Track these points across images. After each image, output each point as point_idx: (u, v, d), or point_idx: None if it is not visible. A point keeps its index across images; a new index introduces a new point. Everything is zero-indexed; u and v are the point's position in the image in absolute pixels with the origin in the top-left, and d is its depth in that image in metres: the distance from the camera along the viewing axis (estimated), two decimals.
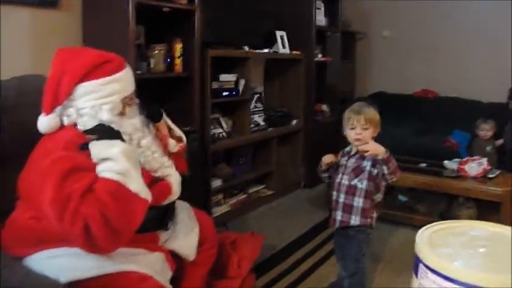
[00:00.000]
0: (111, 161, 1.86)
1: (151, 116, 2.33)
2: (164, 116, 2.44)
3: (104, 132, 1.95)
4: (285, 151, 5.22)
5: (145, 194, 1.91)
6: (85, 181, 1.82)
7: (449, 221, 1.75)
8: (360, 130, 2.65)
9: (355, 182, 2.67)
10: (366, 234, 2.71)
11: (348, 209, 2.69)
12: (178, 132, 2.52)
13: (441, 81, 6.06)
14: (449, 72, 6.04)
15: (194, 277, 2.46)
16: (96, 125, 1.96)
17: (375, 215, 2.73)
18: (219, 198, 4.34)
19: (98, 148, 1.90)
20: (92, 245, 1.78)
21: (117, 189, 1.83)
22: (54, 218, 1.79)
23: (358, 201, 2.66)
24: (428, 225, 1.65)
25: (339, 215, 2.73)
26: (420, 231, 1.61)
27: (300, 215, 4.47)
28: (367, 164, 2.66)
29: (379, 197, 2.72)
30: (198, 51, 3.65)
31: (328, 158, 2.80)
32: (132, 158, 1.94)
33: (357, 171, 2.68)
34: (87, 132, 1.95)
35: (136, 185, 1.88)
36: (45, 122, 2.00)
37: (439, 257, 1.43)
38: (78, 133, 1.98)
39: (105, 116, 1.99)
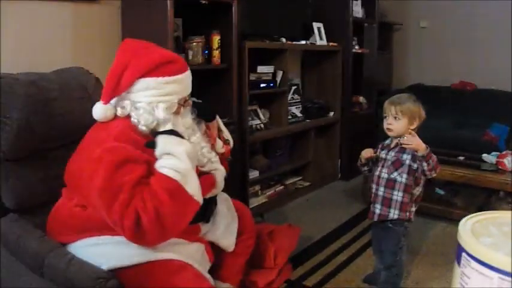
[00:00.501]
0: (175, 158, 1.90)
1: (204, 116, 2.37)
2: (217, 117, 2.48)
3: (174, 132, 1.99)
4: (322, 143, 5.21)
5: (198, 197, 1.94)
6: (136, 174, 1.85)
7: (491, 211, 1.73)
8: (391, 120, 2.65)
9: (394, 175, 2.66)
10: (404, 227, 2.70)
11: (387, 202, 2.68)
12: (227, 134, 2.55)
13: (479, 73, 5.95)
14: (488, 63, 5.92)
15: (233, 267, 2.49)
16: (169, 130, 2.01)
17: (413, 208, 2.71)
18: (256, 189, 4.36)
19: (167, 141, 1.94)
20: (139, 237, 1.82)
21: (175, 189, 1.86)
22: (102, 208, 1.84)
23: (397, 195, 2.65)
24: (470, 215, 1.64)
25: (377, 208, 2.72)
26: (462, 220, 1.59)
27: (336, 207, 4.47)
28: (407, 158, 2.63)
29: (418, 190, 2.70)
30: (235, 43, 3.67)
31: (367, 153, 2.79)
32: (194, 159, 1.99)
33: (397, 164, 2.66)
34: (157, 133, 1.99)
35: (193, 188, 1.91)
36: (101, 111, 2.04)
37: (482, 246, 1.42)
38: (130, 125, 2.01)
39: (161, 114, 2.02)
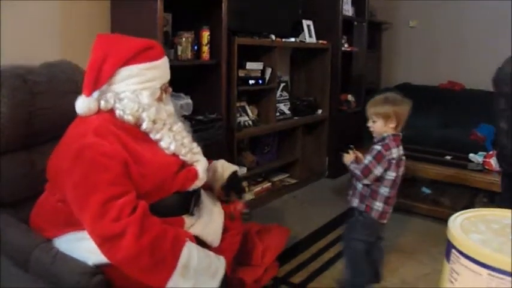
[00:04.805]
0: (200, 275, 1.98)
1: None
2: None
3: None
4: (310, 140, 5.23)
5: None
6: (113, 172, 1.86)
7: (481, 208, 1.74)
8: (370, 122, 2.74)
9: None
10: (364, 217, 2.77)
11: (354, 191, 2.82)
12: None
13: (468, 73, 5.96)
14: (476, 64, 5.92)
15: None
16: None
17: (380, 207, 2.74)
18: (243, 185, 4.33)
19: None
20: (107, 238, 1.80)
21: (170, 250, 1.89)
22: (75, 204, 1.86)
23: (357, 185, 2.77)
24: (459, 212, 1.64)
25: (349, 195, 2.86)
26: (452, 217, 1.60)
27: (323, 204, 4.48)
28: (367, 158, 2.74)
29: (385, 191, 2.73)
30: (225, 39, 3.66)
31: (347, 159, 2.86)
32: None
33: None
34: None
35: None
36: (84, 104, 2.02)
37: (472, 242, 1.43)
38: (110, 118, 2.01)
39: (145, 100, 2.04)
